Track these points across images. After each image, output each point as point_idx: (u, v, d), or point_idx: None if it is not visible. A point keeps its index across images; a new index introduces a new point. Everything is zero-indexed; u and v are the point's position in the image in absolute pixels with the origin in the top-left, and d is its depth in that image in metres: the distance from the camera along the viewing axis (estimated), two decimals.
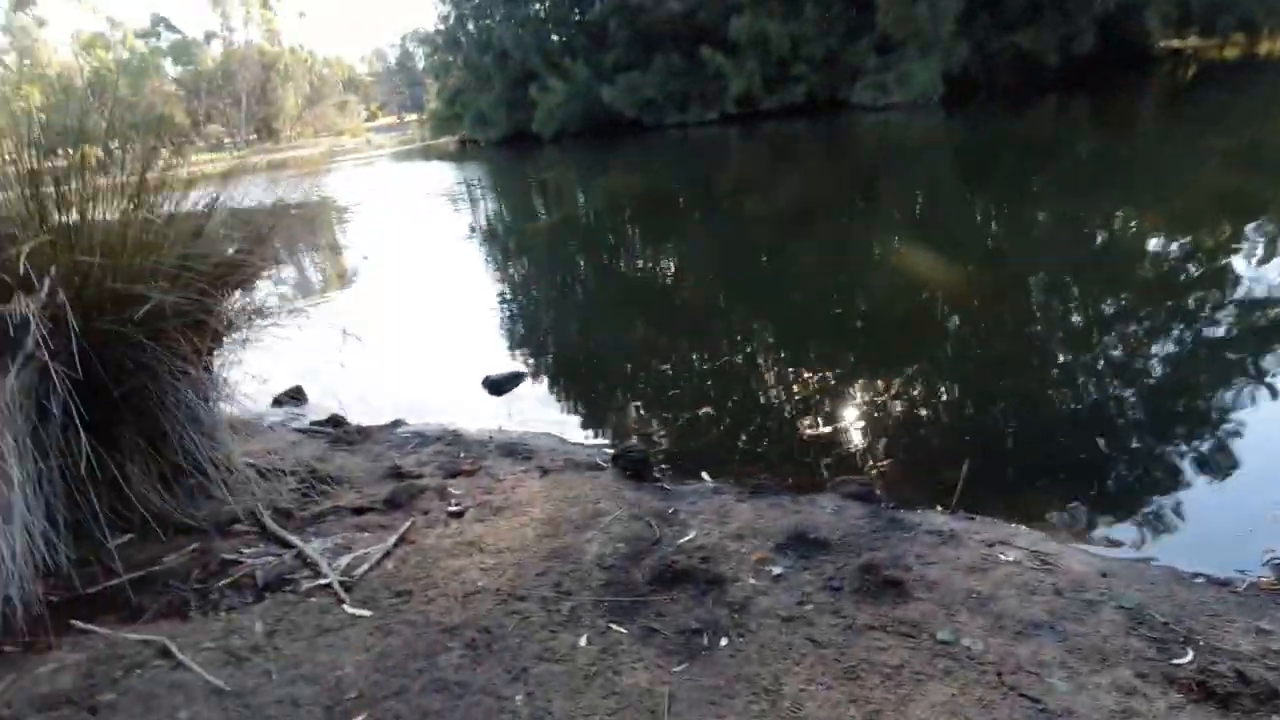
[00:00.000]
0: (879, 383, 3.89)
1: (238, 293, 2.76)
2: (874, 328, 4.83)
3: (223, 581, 2.28)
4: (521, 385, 4.35)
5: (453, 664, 1.87)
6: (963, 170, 11.21)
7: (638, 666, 1.83)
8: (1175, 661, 1.72)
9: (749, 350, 4.75)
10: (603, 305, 6.34)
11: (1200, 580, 2.09)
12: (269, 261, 2.82)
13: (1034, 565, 2.16)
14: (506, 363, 4.80)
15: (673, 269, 7.46)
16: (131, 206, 2.33)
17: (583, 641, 1.93)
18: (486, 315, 6.12)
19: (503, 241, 9.98)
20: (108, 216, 2.37)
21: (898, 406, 3.60)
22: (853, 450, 3.23)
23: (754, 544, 2.34)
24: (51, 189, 2.20)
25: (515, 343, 5.39)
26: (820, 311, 5.30)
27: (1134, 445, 2.99)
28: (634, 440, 3.48)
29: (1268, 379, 3.33)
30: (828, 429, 3.44)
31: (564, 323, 5.99)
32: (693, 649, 1.89)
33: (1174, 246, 5.72)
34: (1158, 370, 3.66)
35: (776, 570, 2.18)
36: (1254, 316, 4.06)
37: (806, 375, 4.11)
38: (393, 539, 2.47)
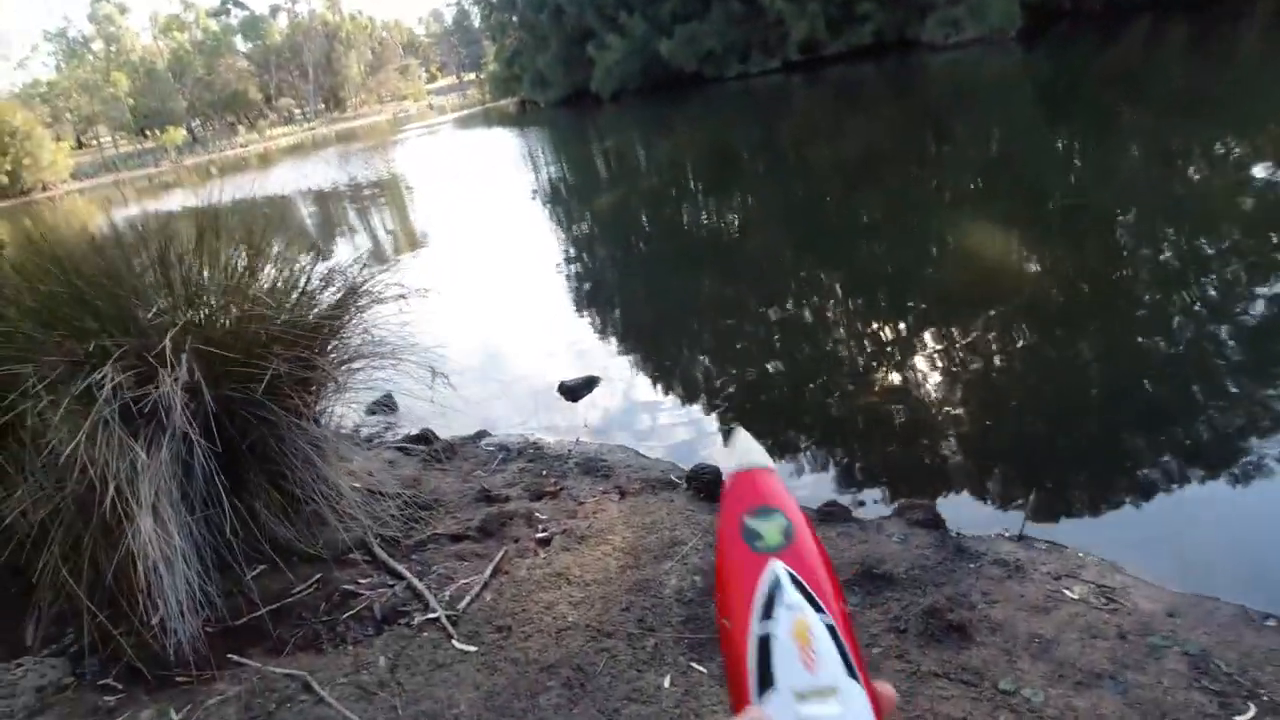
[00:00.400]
0: (948, 386, 3.92)
1: (334, 342, 3.01)
2: (945, 316, 4.79)
3: (346, 614, 2.58)
4: (595, 390, 4.55)
5: (552, 704, 2.11)
6: (1042, 112, 10.64)
7: (718, 709, 2.02)
8: (1236, 718, 1.79)
9: (820, 341, 4.80)
10: (671, 288, 6.44)
11: (1271, 623, 2.12)
12: (358, 313, 3.04)
13: (1099, 604, 2.24)
14: (579, 360, 5.02)
15: (739, 243, 7.47)
16: (245, 280, 2.58)
17: (666, 682, 2.13)
18: (558, 305, 6.34)
19: (569, 222, 10.15)
20: (224, 291, 2.63)
21: (967, 413, 3.63)
22: (922, 465, 3.31)
23: None
24: (179, 273, 2.46)
25: (587, 336, 5.57)
26: (895, 297, 5.27)
27: (1217, 468, 2.95)
28: (705, 453, 3.65)
29: None
30: (897, 443, 3.51)
31: (633, 310, 6.15)
32: None
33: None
34: (1248, 376, 3.55)
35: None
36: None
37: (878, 377, 4.16)
38: (489, 570, 2.73)
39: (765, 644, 0.44)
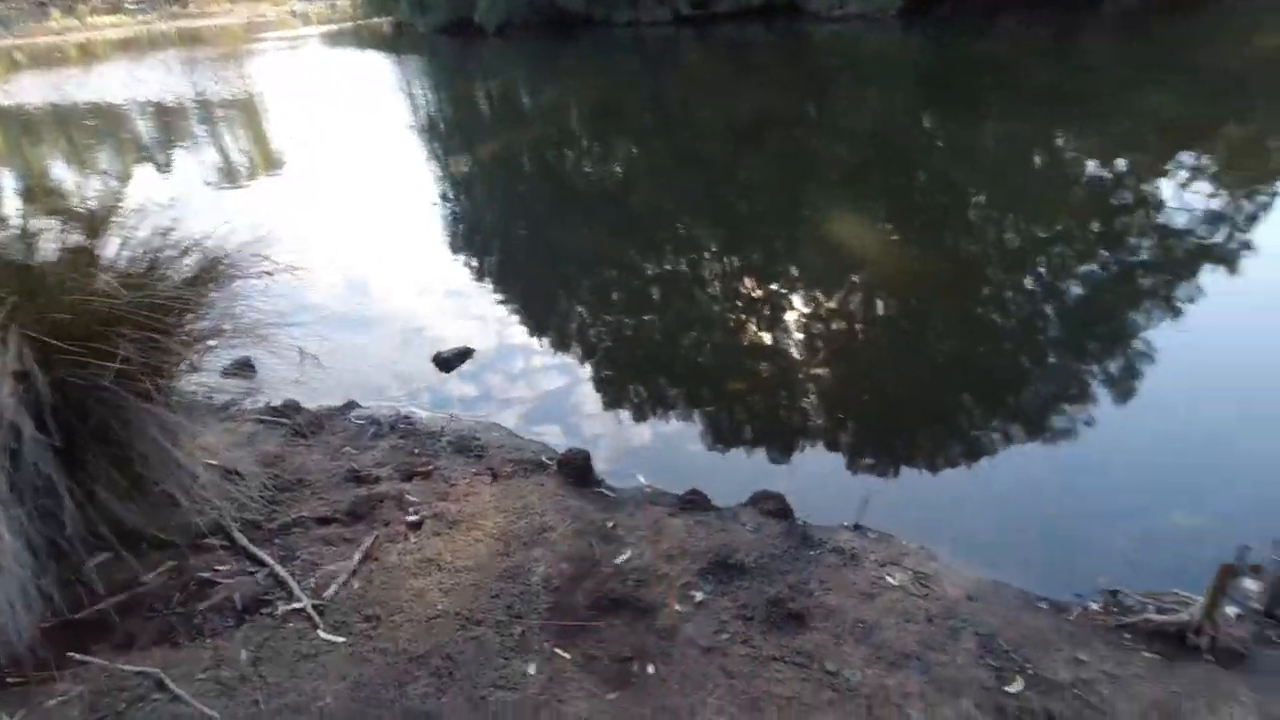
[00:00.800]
0: (808, 366, 4.22)
1: (189, 319, 2.83)
2: (813, 290, 5.10)
3: (204, 605, 2.51)
4: (470, 362, 4.53)
5: (420, 693, 2.19)
6: (916, 92, 11.28)
7: (579, 696, 2.18)
8: (1006, 689, 2.16)
9: (700, 313, 4.98)
10: (553, 245, 6.40)
11: (1044, 606, 2.54)
12: (217, 287, 2.87)
13: (915, 590, 2.58)
14: (455, 324, 4.96)
15: (624, 200, 7.50)
16: (85, 254, 2.37)
17: (532, 669, 2.27)
18: (436, 261, 6.18)
19: (450, 166, 9.75)
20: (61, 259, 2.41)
21: (822, 397, 3.95)
22: (781, 451, 3.59)
23: (682, 566, 2.68)
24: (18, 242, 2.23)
25: (464, 298, 5.48)
26: (768, 269, 5.54)
27: (1028, 461, 3.41)
28: (577, 434, 3.77)
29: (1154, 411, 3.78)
30: (760, 427, 3.77)
31: (513, 271, 6.08)
32: (625, 677, 2.25)
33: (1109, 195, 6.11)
34: (1071, 366, 4.08)
35: (699, 596, 2.53)
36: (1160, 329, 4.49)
37: (746, 356, 4.41)
38: (358, 556, 2.73)
39: None
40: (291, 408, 3.86)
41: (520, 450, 3.55)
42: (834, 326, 4.72)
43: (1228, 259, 5.06)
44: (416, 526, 2.93)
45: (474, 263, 6.30)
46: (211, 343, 2.95)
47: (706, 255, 6.02)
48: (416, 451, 3.50)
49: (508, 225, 7.28)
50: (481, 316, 5.19)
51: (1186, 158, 7.08)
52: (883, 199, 6.65)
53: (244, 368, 4.44)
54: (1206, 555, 2.52)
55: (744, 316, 4.94)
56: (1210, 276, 4.84)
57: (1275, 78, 9.72)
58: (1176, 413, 3.67)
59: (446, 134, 10.77)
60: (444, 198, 7.87)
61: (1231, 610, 2.37)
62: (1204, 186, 6.36)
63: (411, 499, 3.09)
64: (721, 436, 3.76)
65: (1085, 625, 2.43)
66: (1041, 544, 2.93)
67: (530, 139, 10.79)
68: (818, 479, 3.39)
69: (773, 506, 2.99)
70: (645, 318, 5.01)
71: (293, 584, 2.58)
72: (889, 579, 2.63)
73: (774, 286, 5.32)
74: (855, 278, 5.27)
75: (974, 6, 18.30)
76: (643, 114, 11.48)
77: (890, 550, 2.81)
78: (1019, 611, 2.50)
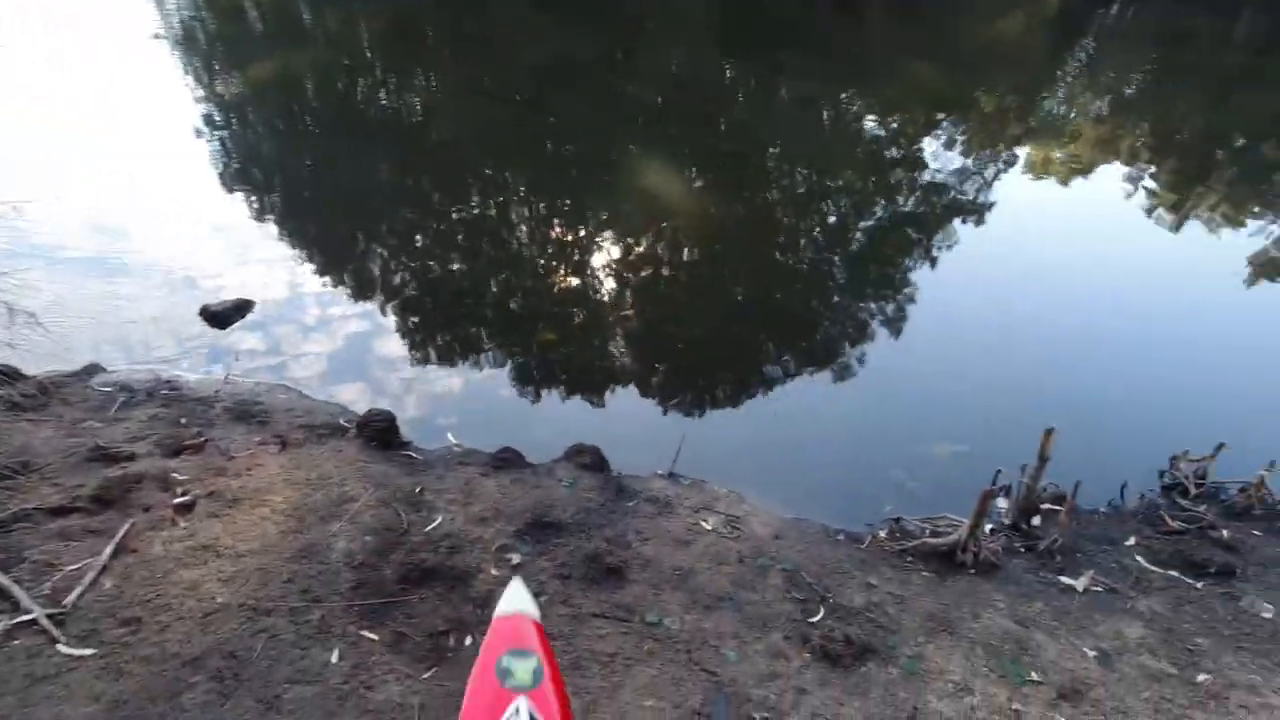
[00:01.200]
0: (615, 316, 4.21)
1: None
2: (615, 236, 5.06)
3: None
4: (250, 315, 3.99)
5: (199, 702, 1.90)
6: (715, 47, 11.50)
7: (389, 679, 2.02)
8: (811, 620, 2.31)
9: (502, 262, 4.74)
10: (342, 181, 5.72)
11: (841, 537, 2.76)
12: None
13: (727, 533, 2.67)
14: (230, 274, 4.33)
15: (420, 134, 6.91)
16: None
17: (334, 657, 2.06)
18: (202, 198, 5.30)
19: (219, 92, 8.43)
20: None
21: (631, 346, 3.96)
22: (593, 402, 3.55)
23: (497, 528, 2.57)
24: None
25: (240, 242, 4.76)
26: (573, 213, 5.41)
27: (824, 402, 3.66)
28: (379, 392, 3.47)
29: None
30: (570, 380, 3.70)
31: (296, 208, 5.38)
32: (440, 651, 2.12)
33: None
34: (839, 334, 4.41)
35: (516, 559, 2.44)
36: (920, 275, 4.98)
37: (554, 302, 4.29)
38: (109, 550, 2.31)
39: None
40: (11, 374, 3.17)
41: (313, 414, 3.20)
42: (642, 274, 4.73)
43: (978, 212, 5.75)
44: (186, 509, 2.54)
45: (252, 200, 5.46)
46: None
47: (515, 198, 5.77)
48: (184, 421, 3.02)
49: (290, 158, 6.43)
50: (263, 262, 4.55)
51: (944, 120, 7.92)
52: (685, 146, 6.76)
53: None
54: (968, 477, 2.88)
55: (553, 263, 4.81)
56: (965, 229, 5.47)
57: (1014, 55, 11.11)
58: (938, 357, 4.12)
59: (208, 49, 9.29)
60: (210, 124, 6.78)
61: (988, 527, 2.72)
62: (957, 147, 7.16)
63: (179, 477, 2.67)
64: (534, 388, 3.65)
65: (875, 552, 2.67)
66: (836, 480, 3.17)
67: (313, 61, 9.63)
68: (631, 428, 3.41)
69: (588, 460, 2.95)
70: (450, 265, 4.71)
71: (17, 592, 2.13)
72: (703, 524, 2.70)
73: (583, 231, 5.23)
74: (662, 224, 5.31)
75: None
76: (440, 46, 10.69)
77: (703, 496, 2.89)
78: (820, 545, 2.69)
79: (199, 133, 6.57)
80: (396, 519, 2.56)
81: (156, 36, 9.23)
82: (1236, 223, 6.05)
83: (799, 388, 3.76)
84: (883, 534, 2.76)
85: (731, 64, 9.75)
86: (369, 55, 10.03)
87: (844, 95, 8.24)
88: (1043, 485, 2.82)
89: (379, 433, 2.99)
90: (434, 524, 2.56)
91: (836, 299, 4.60)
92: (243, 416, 3.10)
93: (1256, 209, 6.36)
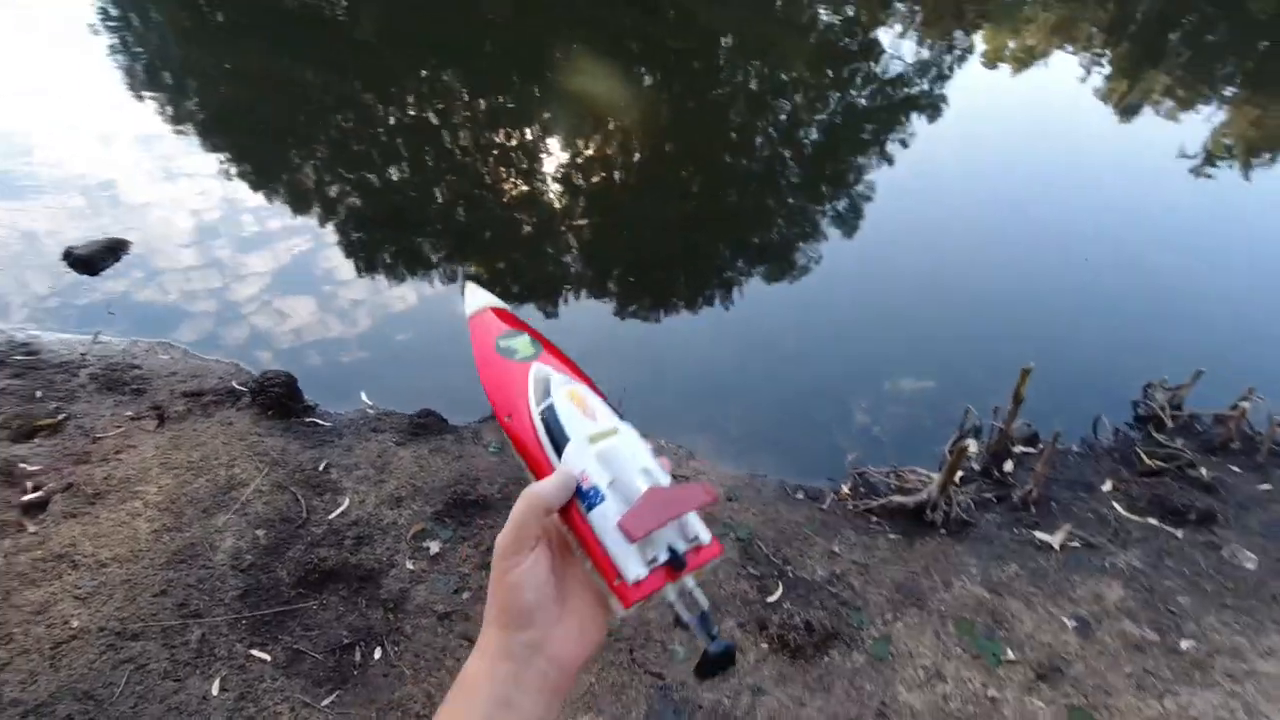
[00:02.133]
0: (557, 258, 3.79)
1: None
2: (561, 147, 4.58)
3: None
4: (125, 257, 3.45)
5: None
6: None
7: (282, 709, 1.73)
8: (769, 600, 2.08)
9: (426, 179, 4.23)
10: (248, 90, 5.00)
11: (800, 496, 2.50)
12: None
13: None
14: (100, 212, 3.74)
15: (349, 38, 6.15)
16: None
17: (215, 688, 1.75)
18: (63, 113, 4.57)
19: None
20: None
21: (571, 290, 3.57)
22: None
23: (414, 510, 2.25)
24: None
25: (109, 168, 4.10)
26: (517, 119, 4.86)
27: (775, 351, 3.34)
28: (279, 347, 3.04)
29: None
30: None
31: (184, 123, 4.67)
32: (343, 670, 1.83)
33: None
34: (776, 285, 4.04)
35: (435, 548, 2.14)
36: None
37: (485, 239, 3.84)
38: None
39: (549, 415, 0.50)
40: None
41: (200, 377, 2.77)
42: (580, 193, 4.27)
43: (934, 107, 5.36)
44: (37, 508, 2.15)
45: (129, 110, 4.69)
46: None
47: (443, 104, 5.13)
48: (39, 395, 2.58)
49: (186, 55, 5.56)
50: (143, 188, 3.95)
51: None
52: (629, 40, 6.11)
53: None
54: (933, 415, 2.65)
55: (486, 178, 4.30)
56: (923, 135, 5.07)
57: None
58: (894, 277, 3.82)
59: None
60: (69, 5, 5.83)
61: (957, 475, 2.49)
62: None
63: (29, 468, 2.26)
64: (457, 334, 3.25)
65: (837, 513, 2.43)
66: (794, 424, 2.91)
67: None
68: None
69: None
70: (368, 186, 4.16)
71: None
72: None
73: (517, 140, 4.69)
74: (597, 137, 4.79)
75: None
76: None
77: None
78: (777, 505, 2.43)
79: (66, 19, 5.66)
80: (295, 505, 2.22)
81: None
82: (1187, 106, 5.77)
83: (749, 319, 3.44)
84: (846, 489, 2.52)
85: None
86: None
87: None
88: (1016, 425, 2.59)
89: (276, 398, 2.59)
90: (339, 509, 2.23)
91: (788, 214, 4.23)
92: (113, 385, 2.66)
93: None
